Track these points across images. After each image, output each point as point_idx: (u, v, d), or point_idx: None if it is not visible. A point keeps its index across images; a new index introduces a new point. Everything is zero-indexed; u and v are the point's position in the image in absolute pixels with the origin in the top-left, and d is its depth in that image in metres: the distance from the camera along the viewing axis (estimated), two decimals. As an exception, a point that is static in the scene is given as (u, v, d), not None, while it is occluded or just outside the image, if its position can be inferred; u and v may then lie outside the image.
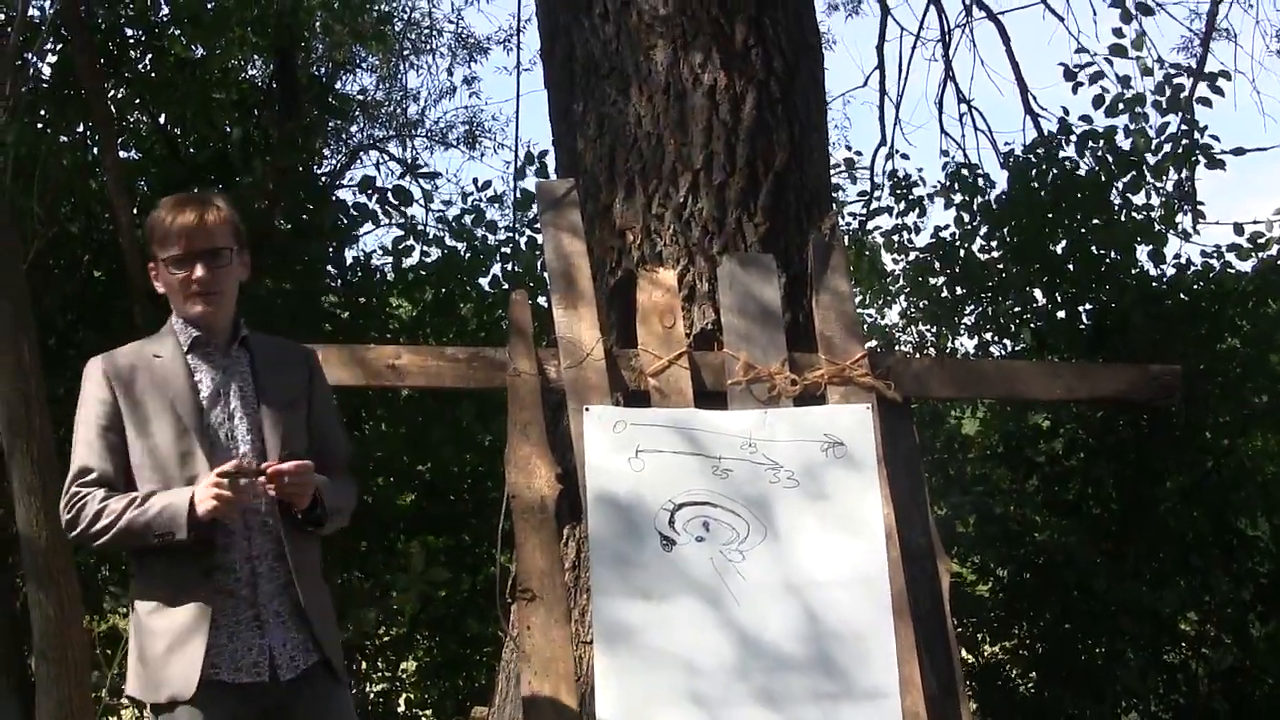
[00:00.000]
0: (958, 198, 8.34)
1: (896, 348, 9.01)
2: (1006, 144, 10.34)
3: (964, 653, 7.38)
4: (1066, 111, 8.03)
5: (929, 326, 9.03)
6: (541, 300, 6.49)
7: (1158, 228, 7.60)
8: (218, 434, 3.23)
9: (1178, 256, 7.88)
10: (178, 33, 7.61)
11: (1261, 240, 7.79)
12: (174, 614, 3.12)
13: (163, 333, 3.33)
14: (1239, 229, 7.78)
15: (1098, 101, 7.86)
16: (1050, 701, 7.22)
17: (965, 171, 8.48)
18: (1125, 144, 7.77)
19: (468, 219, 8.20)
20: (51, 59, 7.31)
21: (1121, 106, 7.83)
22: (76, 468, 3.17)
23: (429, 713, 7.99)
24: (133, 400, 3.19)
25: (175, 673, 3.09)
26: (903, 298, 9.32)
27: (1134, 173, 7.61)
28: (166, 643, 3.11)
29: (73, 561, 5.54)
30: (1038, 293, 7.87)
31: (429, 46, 15.33)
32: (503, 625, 4.75)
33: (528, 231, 8.30)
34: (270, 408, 3.29)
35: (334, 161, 12.89)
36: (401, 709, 7.93)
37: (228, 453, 3.20)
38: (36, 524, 5.33)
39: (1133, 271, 7.40)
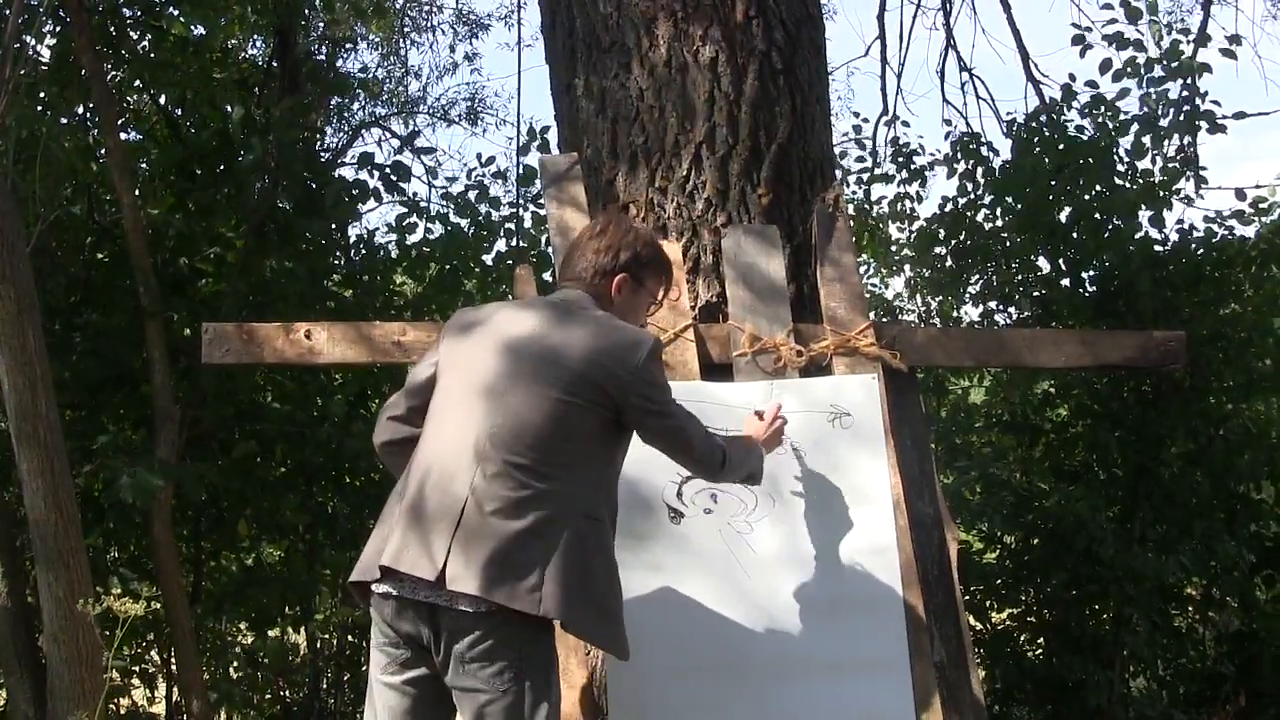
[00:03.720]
0: (960, 166, 8.33)
1: (901, 317, 9.01)
2: (1009, 113, 10.29)
3: (972, 620, 7.41)
4: (1073, 77, 7.97)
5: (933, 296, 9.02)
6: (546, 276, 6.49)
7: (1161, 194, 7.57)
8: None
9: (1180, 222, 7.83)
10: (176, 12, 7.58)
11: (1264, 205, 7.77)
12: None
13: None
14: (1241, 194, 7.75)
15: (1105, 65, 7.78)
16: (1058, 667, 7.24)
17: (968, 140, 8.45)
18: (1134, 107, 7.73)
19: (471, 195, 8.20)
20: (50, 40, 7.29)
21: (1130, 70, 7.77)
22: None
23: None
24: None
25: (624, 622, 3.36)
26: (907, 268, 9.30)
27: (1137, 138, 7.56)
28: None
29: (83, 544, 5.57)
30: (1042, 260, 7.87)
31: (430, 23, 15.32)
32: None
33: (531, 207, 8.32)
34: None
35: (336, 139, 12.89)
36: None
37: None
38: (45, 506, 5.38)
39: (1135, 237, 7.39)
